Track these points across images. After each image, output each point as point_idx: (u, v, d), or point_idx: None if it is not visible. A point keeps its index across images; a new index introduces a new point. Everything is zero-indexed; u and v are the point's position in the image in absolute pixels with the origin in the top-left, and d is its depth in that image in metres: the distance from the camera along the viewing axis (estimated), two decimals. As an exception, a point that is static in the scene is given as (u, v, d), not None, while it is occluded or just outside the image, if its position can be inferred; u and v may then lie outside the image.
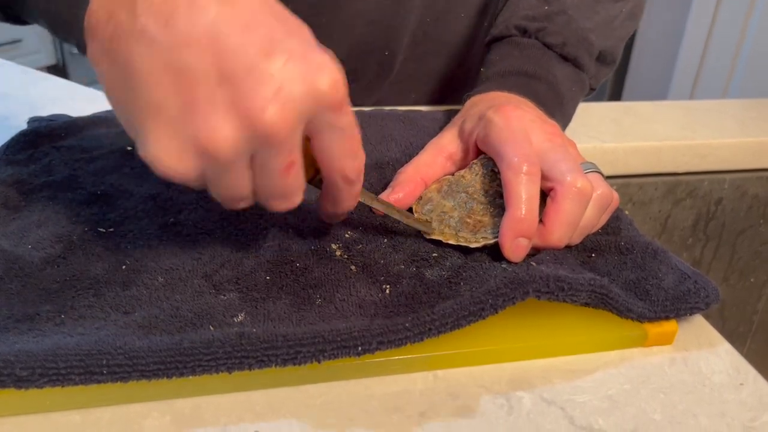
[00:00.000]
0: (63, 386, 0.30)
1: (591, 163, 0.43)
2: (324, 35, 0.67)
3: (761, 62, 1.75)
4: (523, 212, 0.37)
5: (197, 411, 0.31)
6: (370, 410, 0.32)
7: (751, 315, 0.92)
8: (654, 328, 0.37)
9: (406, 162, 0.46)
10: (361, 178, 0.36)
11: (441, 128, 0.50)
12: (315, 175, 0.36)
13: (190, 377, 0.31)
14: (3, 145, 0.51)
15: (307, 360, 0.32)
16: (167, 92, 0.28)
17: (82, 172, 0.47)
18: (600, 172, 0.43)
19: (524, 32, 0.56)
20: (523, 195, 0.38)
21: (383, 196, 0.44)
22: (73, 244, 0.39)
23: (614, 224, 0.44)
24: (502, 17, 0.59)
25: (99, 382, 0.30)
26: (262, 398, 0.32)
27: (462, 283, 0.37)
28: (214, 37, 0.28)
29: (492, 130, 0.41)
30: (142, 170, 0.48)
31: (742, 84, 1.79)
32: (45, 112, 0.58)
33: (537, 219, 0.38)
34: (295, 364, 0.32)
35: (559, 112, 0.53)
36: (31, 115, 0.57)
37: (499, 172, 0.41)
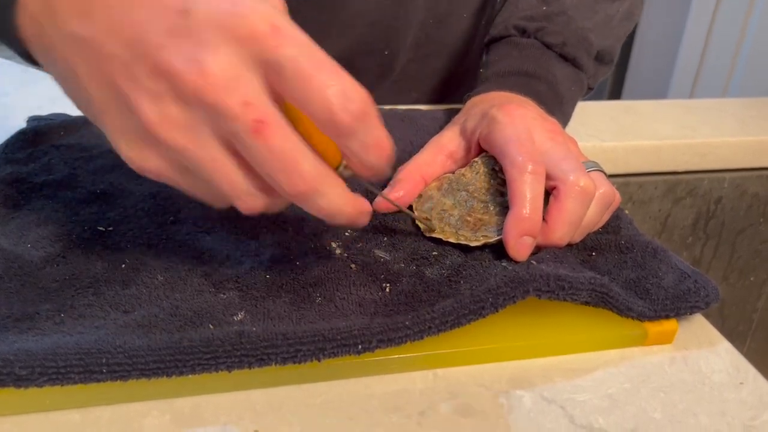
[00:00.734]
0: (62, 385, 0.30)
1: (593, 161, 0.43)
2: (324, 34, 0.67)
3: (761, 61, 1.75)
4: (528, 211, 0.37)
5: (197, 410, 0.31)
6: (370, 409, 0.32)
7: (751, 314, 0.92)
8: (654, 327, 0.37)
9: (407, 161, 0.46)
10: (366, 116, 0.28)
11: (441, 127, 0.50)
12: (340, 164, 0.31)
13: (190, 376, 0.31)
14: (2, 144, 0.51)
15: (307, 358, 0.31)
16: (101, 89, 0.27)
17: (82, 170, 0.47)
18: (602, 171, 0.43)
19: (523, 32, 0.56)
20: (528, 194, 0.38)
21: (384, 194, 0.44)
22: (72, 242, 0.39)
23: (614, 223, 0.44)
24: (501, 17, 0.59)
25: (98, 380, 0.30)
26: (262, 397, 0.32)
27: (462, 282, 0.37)
28: (123, 19, 0.26)
29: (495, 129, 0.41)
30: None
31: (742, 83, 1.79)
32: (44, 111, 0.58)
33: (541, 218, 0.38)
34: (295, 363, 0.32)
35: (559, 111, 0.53)
36: (30, 114, 0.57)
37: (499, 171, 0.41)
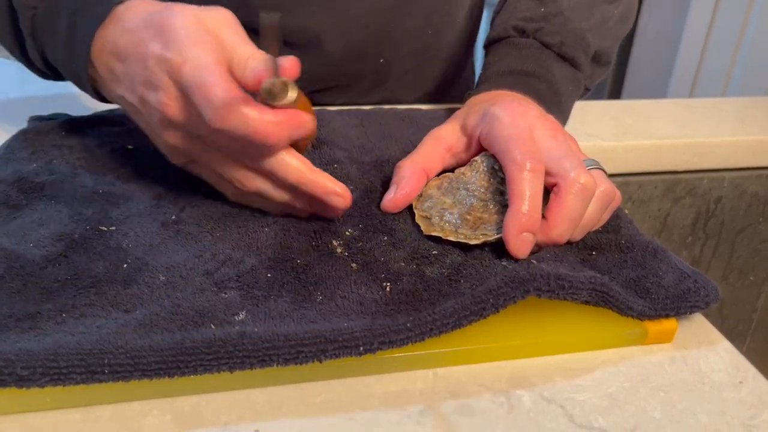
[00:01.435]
0: (64, 385, 0.30)
1: (593, 159, 0.43)
2: (317, 39, 0.67)
3: (761, 60, 1.75)
4: (527, 208, 0.37)
5: (197, 409, 0.32)
6: (370, 409, 0.32)
7: (751, 313, 0.92)
8: (654, 327, 0.37)
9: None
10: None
11: (441, 126, 0.50)
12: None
13: (191, 376, 0.31)
14: (3, 144, 0.51)
15: (308, 360, 0.32)
16: (135, 101, 0.41)
17: (83, 170, 0.47)
18: (602, 169, 0.43)
19: (522, 33, 0.57)
20: (527, 191, 0.38)
21: (387, 193, 0.44)
22: (74, 242, 0.39)
23: (614, 223, 0.44)
24: (500, 19, 0.59)
25: (100, 381, 0.30)
26: (262, 396, 0.33)
27: (462, 281, 0.37)
28: (127, 69, 0.41)
29: (496, 127, 0.41)
30: (143, 169, 0.48)
31: (742, 82, 1.79)
32: (45, 111, 0.58)
33: (540, 214, 0.38)
34: (296, 364, 0.32)
35: (558, 109, 0.53)
36: (32, 114, 0.57)
37: (499, 170, 0.41)
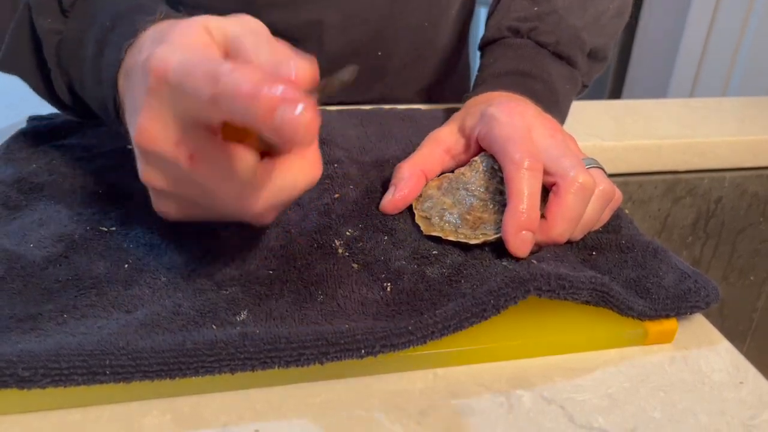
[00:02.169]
0: (66, 386, 0.30)
1: (592, 158, 0.43)
2: (315, 34, 0.67)
3: (761, 60, 1.75)
4: (525, 206, 0.37)
5: (197, 409, 0.32)
6: (370, 409, 0.32)
7: (751, 313, 0.92)
8: (654, 327, 0.37)
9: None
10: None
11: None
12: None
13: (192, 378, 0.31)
14: (3, 144, 0.52)
15: (310, 362, 0.32)
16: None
17: (83, 171, 0.47)
18: (601, 168, 0.43)
19: (516, 33, 0.57)
20: (525, 190, 0.38)
21: (386, 194, 0.44)
22: (74, 243, 0.39)
23: (614, 222, 0.44)
24: (494, 20, 0.59)
25: (102, 382, 0.30)
26: (262, 397, 0.33)
27: (463, 281, 0.37)
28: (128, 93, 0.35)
29: (494, 127, 0.42)
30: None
31: (742, 82, 1.79)
32: (45, 111, 0.58)
33: (539, 213, 0.38)
34: (298, 366, 0.32)
35: (555, 109, 0.53)
36: (30, 114, 0.57)
37: (499, 170, 0.41)
